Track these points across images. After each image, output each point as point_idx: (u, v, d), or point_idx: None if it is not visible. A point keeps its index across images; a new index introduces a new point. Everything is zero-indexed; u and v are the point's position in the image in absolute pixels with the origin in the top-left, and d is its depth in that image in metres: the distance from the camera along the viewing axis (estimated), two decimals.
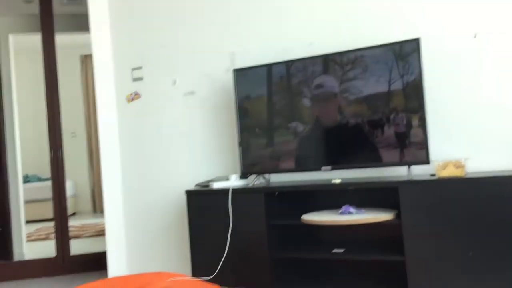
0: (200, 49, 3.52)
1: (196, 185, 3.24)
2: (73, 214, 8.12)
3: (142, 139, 3.75)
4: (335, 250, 2.78)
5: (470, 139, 2.74)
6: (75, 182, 8.30)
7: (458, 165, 2.48)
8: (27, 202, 7.21)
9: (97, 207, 8.28)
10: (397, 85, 2.69)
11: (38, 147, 8.19)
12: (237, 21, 3.39)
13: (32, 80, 8.17)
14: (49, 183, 7.02)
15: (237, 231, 2.95)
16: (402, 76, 2.68)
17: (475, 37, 2.73)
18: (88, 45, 3.92)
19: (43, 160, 8.07)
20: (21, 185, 5.02)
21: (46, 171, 8.00)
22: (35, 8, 4.81)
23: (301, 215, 2.88)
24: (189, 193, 3.12)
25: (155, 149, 3.70)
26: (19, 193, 4.96)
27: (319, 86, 2.90)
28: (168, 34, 3.64)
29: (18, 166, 4.96)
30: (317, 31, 3.12)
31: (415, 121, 2.65)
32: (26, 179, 7.89)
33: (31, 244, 5.75)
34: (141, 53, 3.74)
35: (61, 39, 6.66)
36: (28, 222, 7.33)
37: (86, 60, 8.37)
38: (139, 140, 3.76)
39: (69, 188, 7.68)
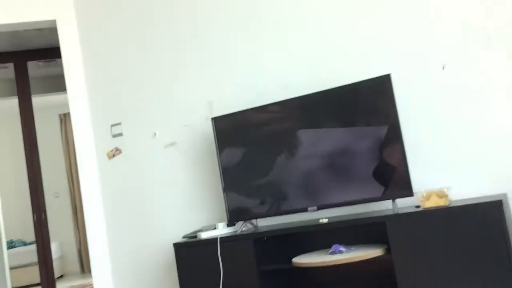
0: (178, 100, 3.55)
1: (184, 236, 3.20)
2: (61, 276, 7.92)
3: (125, 194, 3.72)
4: None
5: (449, 167, 2.77)
6: (61, 243, 8.14)
7: (442, 195, 2.50)
8: (12, 268, 7.05)
9: (85, 267, 8.10)
10: (373, 121, 2.74)
11: (21, 210, 8.07)
12: (212, 69, 3.44)
13: (11, 144, 8.12)
14: (34, 247, 6.88)
15: (228, 280, 2.90)
16: (377, 112, 2.73)
17: (443, 68, 2.81)
18: (66, 104, 3.93)
19: (27, 223, 7.95)
20: (5, 251, 4.92)
21: (31, 235, 7.87)
22: (10, 73, 4.84)
23: (291, 258, 2.86)
24: (177, 246, 3.08)
25: (140, 204, 3.66)
26: (4, 260, 4.85)
27: (299, 128, 2.93)
28: (144, 88, 3.67)
29: (1, 232, 4.87)
30: (291, 73, 3.18)
31: (394, 155, 2.68)
32: (11, 245, 7.71)
33: None
34: (119, 109, 3.76)
35: (38, 100, 6.68)
36: None
37: (65, 119, 8.36)
38: (123, 195, 3.73)
39: (55, 250, 7.52)
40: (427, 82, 2.83)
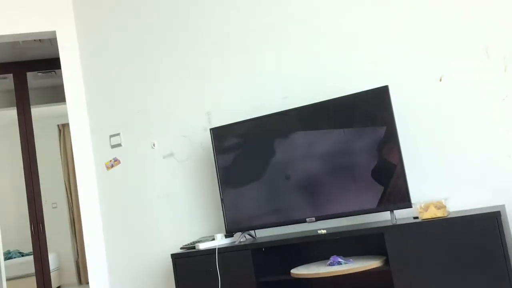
0: (176, 111, 3.56)
1: (182, 247, 3.19)
2: (58, 287, 7.88)
3: (124, 205, 3.72)
4: None
5: (447, 178, 2.78)
6: (59, 254, 8.10)
7: (440, 206, 2.51)
8: (9, 279, 7.00)
9: (82, 278, 8.06)
10: (371, 133, 2.75)
11: (19, 221, 8.05)
12: (211, 80, 3.46)
13: (10, 154, 8.11)
14: (31, 258, 6.84)
15: None
16: (374, 123, 2.74)
17: (440, 80, 2.82)
18: (65, 114, 3.95)
19: (24, 234, 7.93)
20: (2, 262, 4.89)
21: (28, 245, 7.84)
22: (9, 83, 4.85)
23: (290, 269, 2.85)
24: (175, 257, 3.07)
25: (138, 214, 3.66)
26: (1, 271, 4.82)
27: (297, 139, 2.94)
28: (143, 99, 3.68)
29: None
30: (290, 85, 3.20)
31: (392, 166, 2.68)
32: (8, 255, 7.68)
33: None
34: (118, 120, 3.77)
35: (38, 111, 6.69)
36: None
37: (64, 129, 8.37)
38: (121, 206, 3.72)
39: (53, 261, 7.49)
40: (425, 93, 2.85)
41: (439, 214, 2.50)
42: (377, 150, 2.73)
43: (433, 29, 2.84)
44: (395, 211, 2.81)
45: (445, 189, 2.78)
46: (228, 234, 3.15)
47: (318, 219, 2.87)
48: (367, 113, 2.76)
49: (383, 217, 2.91)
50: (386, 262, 2.60)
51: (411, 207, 2.65)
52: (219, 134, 3.17)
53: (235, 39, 3.39)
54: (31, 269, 6.74)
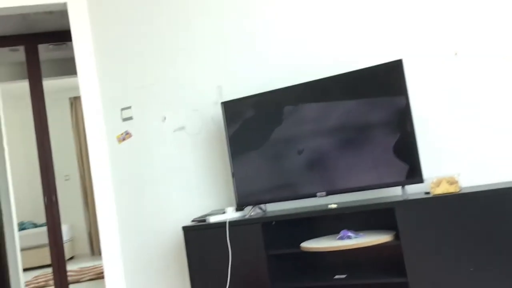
0: (188, 85, 3.55)
1: (193, 220, 3.22)
2: (71, 258, 8.02)
3: (135, 178, 3.74)
4: (337, 276, 2.76)
5: (461, 153, 2.76)
6: (71, 225, 8.23)
7: (452, 182, 2.49)
8: (23, 249, 7.14)
9: (94, 249, 8.19)
10: (384, 107, 2.72)
11: (32, 193, 8.15)
12: (222, 54, 3.43)
13: (22, 127, 8.17)
14: (45, 229, 6.96)
15: (237, 263, 2.93)
16: (388, 98, 2.71)
17: (456, 54, 2.77)
18: (77, 87, 3.95)
19: (37, 205, 8.05)
20: (16, 233, 4.98)
21: (41, 217, 7.97)
22: (21, 56, 4.84)
23: (300, 243, 2.87)
24: (186, 229, 3.10)
25: (149, 187, 3.68)
26: (15, 241, 4.91)
27: (309, 113, 2.92)
28: (155, 72, 3.67)
29: (12, 213, 4.92)
30: (302, 58, 3.16)
31: (405, 141, 2.66)
32: (22, 226, 7.81)
33: None
34: (130, 93, 3.76)
35: (49, 84, 6.71)
36: (25, 270, 7.25)
37: (76, 102, 8.39)
38: (133, 179, 3.75)
39: (66, 232, 7.61)
40: (440, 68, 2.80)
41: (451, 189, 2.49)
42: (389, 124, 2.71)
43: (448, 3, 2.78)
44: (406, 187, 2.80)
45: (458, 164, 2.76)
46: (239, 207, 3.16)
47: (328, 193, 2.87)
48: (381, 87, 2.73)
49: (394, 192, 2.90)
50: (397, 237, 2.60)
51: (422, 182, 2.63)
52: (231, 108, 3.15)
53: (247, 12, 3.34)
54: (45, 240, 6.87)
